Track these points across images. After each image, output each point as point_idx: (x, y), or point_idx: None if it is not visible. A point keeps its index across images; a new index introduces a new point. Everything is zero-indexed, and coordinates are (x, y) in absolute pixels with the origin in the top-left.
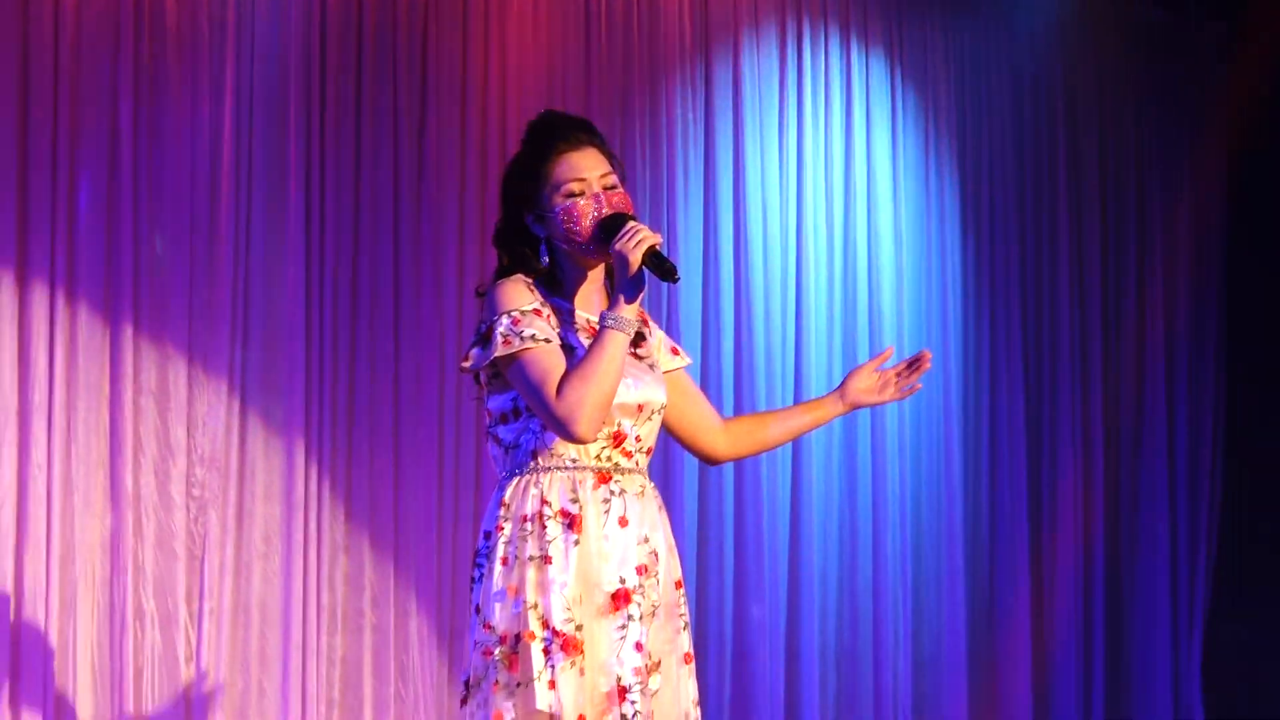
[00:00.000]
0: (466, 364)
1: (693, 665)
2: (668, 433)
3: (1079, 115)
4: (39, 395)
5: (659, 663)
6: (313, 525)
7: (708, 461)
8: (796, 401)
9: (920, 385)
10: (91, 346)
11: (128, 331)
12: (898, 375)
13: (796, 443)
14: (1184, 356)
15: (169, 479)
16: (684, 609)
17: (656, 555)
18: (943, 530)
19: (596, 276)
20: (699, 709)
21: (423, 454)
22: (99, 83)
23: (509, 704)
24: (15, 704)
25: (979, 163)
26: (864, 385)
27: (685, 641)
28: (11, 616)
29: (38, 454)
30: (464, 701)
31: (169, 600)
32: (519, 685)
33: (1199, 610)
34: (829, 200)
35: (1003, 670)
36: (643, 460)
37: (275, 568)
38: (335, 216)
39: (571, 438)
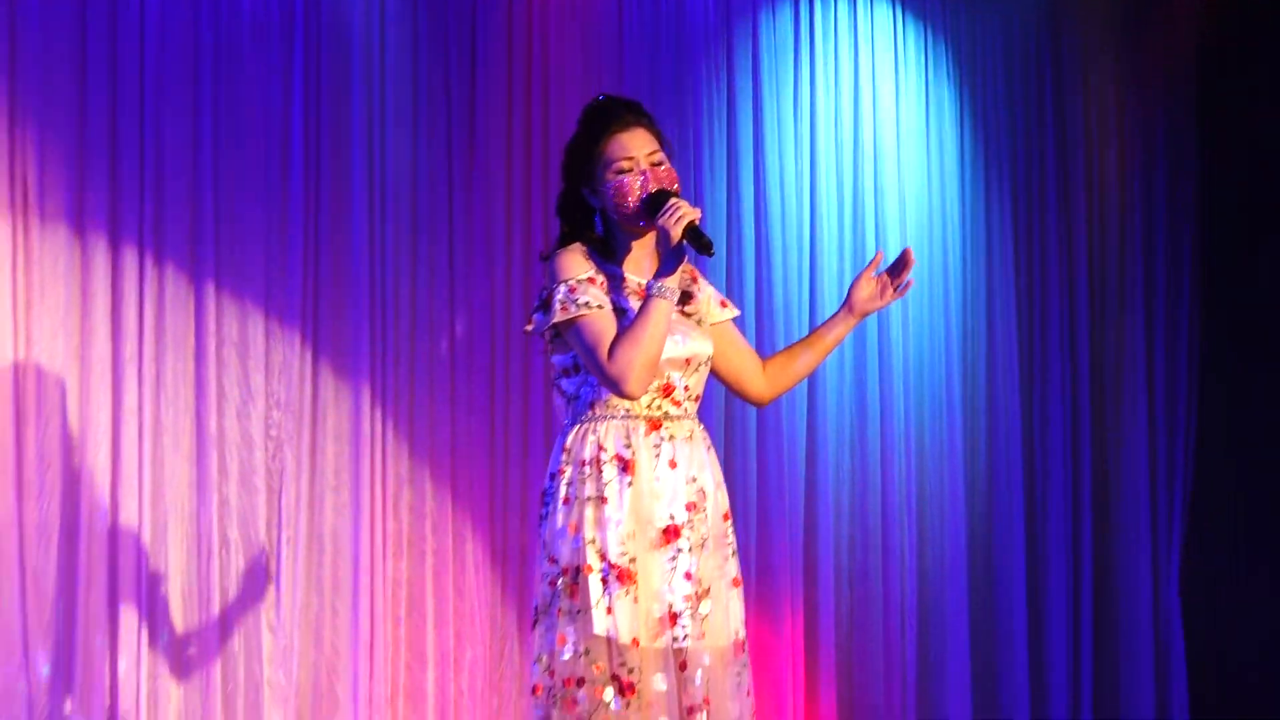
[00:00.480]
0: (529, 327)
1: (740, 589)
2: (716, 379)
3: (1065, 70)
4: (129, 348)
5: (709, 589)
6: (378, 461)
7: (755, 403)
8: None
9: (912, 281)
10: (177, 303)
11: (210, 289)
12: (892, 277)
13: (812, 383)
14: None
15: (249, 421)
16: (731, 538)
17: (704, 493)
18: (944, 459)
19: (646, 243)
20: (745, 629)
21: (476, 396)
22: (182, 67)
23: (570, 629)
24: (113, 626)
25: (975, 116)
26: (865, 294)
27: (733, 568)
28: (108, 548)
29: (129, 400)
30: (534, 625)
31: (250, 530)
32: (579, 612)
33: (1177, 518)
34: (839, 163)
35: (1000, 581)
36: (691, 407)
37: (345, 500)
38: (395, 185)
39: (622, 395)
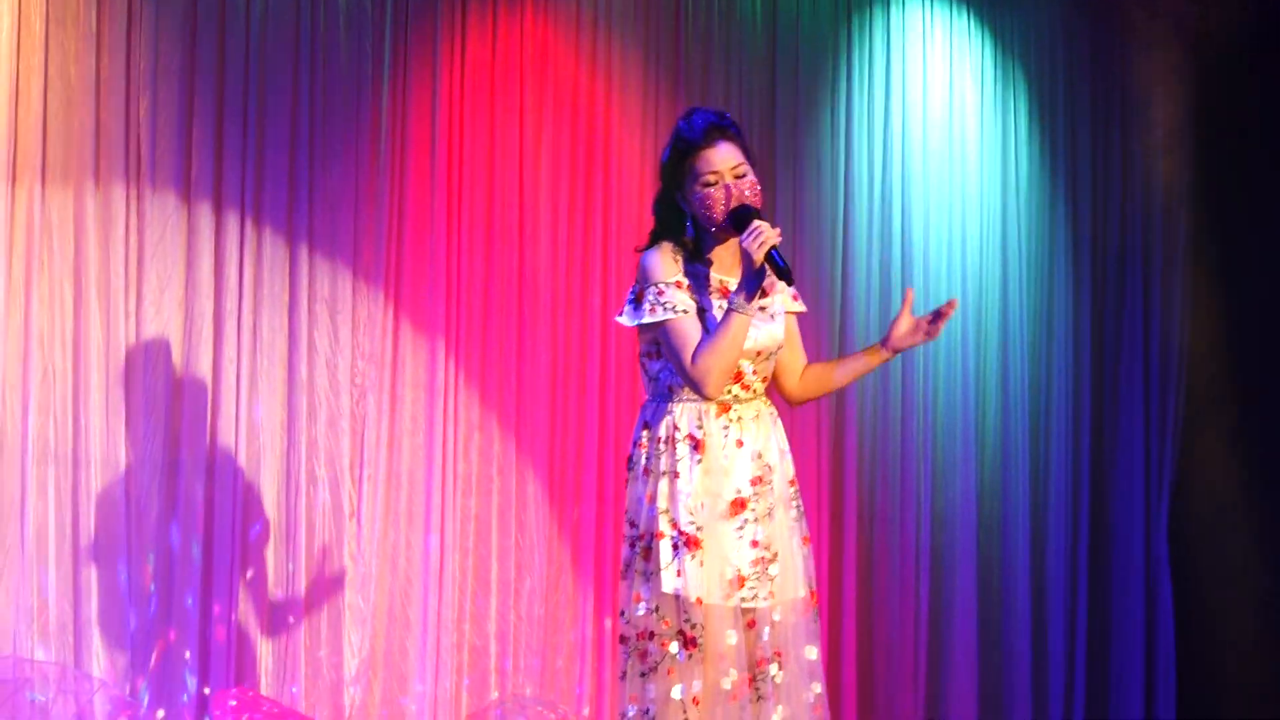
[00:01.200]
0: (622, 318)
1: (810, 547)
2: None
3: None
4: (230, 303)
5: (776, 554)
6: (451, 408)
7: (784, 398)
8: (842, 353)
9: (939, 331)
10: (274, 263)
11: (304, 251)
12: (929, 321)
13: (841, 341)
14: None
15: (336, 370)
16: (798, 501)
17: (770, 466)
18: (957, 412)
19: (731, 244)
20: (815, 583)
21: (540, 351)
22: (282, 50)
23: (644, 587)
24: (209, 552)
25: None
26: (902, 332)
27: (802, 527)
28: (205, 484)
29: (229, 350)
30: (622, 579)
31: (335, 468)
32: (652, 573)
33: (1167, 471)
34: (870, 162)
35: (1006, 529)
36: (760, 388)
37: (420, 442)
38: (470, 158)
39: (702, 396)
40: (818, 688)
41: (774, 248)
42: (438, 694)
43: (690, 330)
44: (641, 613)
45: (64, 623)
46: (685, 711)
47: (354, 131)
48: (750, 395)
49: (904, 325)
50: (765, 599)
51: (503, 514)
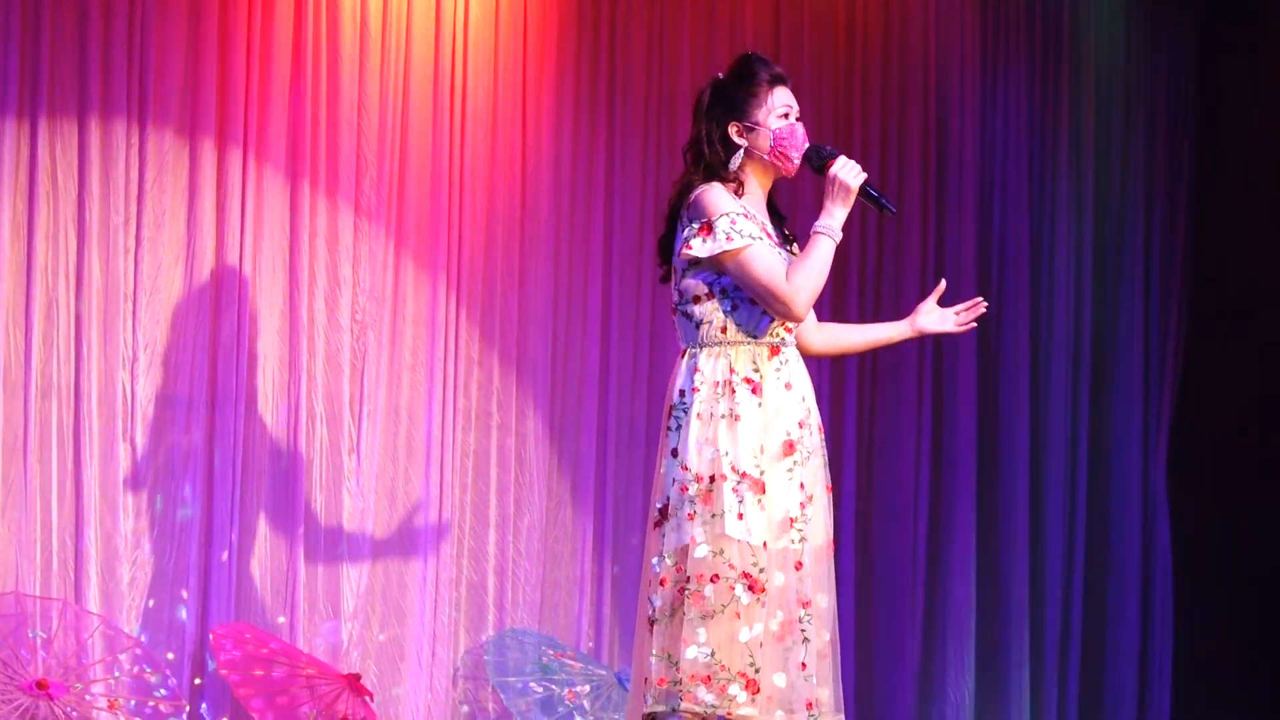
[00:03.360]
0: (690, 250)
1: (831, 495)
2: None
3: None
4: (231, 239)
5: (811, 496)
6: (451, 343)
7: (803, 348)
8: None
9: (975, 325)
10: (275, 199)
11: (304, 187)
12: (956, 314)
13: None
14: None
15: (336, 307)
16: (824, 448)
17: (810, 409)
18: (957, 339)
19: (766, 188)
20: (831, 533)
21: (541, 287)
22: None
23: (701, 531)
24: (209, 488)
25: None
26: (927, 318)
27: (826, 475)
28: (205, 418)
29: (229, 286)
30: (657, 524)
31: (334, 404)
32: (713, 516)
33: (1166, 404)
34: None
35: (1005, 456)
36: (795, 332)
37: (421, 378)
38: (472, 95)
39: (791, 317)
40: (827, 634)
41: (867, 182)
42: (436, 629)
43: (774, 256)
44: (702, 555)
45: (65, 559)
46: (751, 654)
47: (358, 70)
48: (792, 339)
49: (933, 313)
50: (802, 541)
51: (502, 450)
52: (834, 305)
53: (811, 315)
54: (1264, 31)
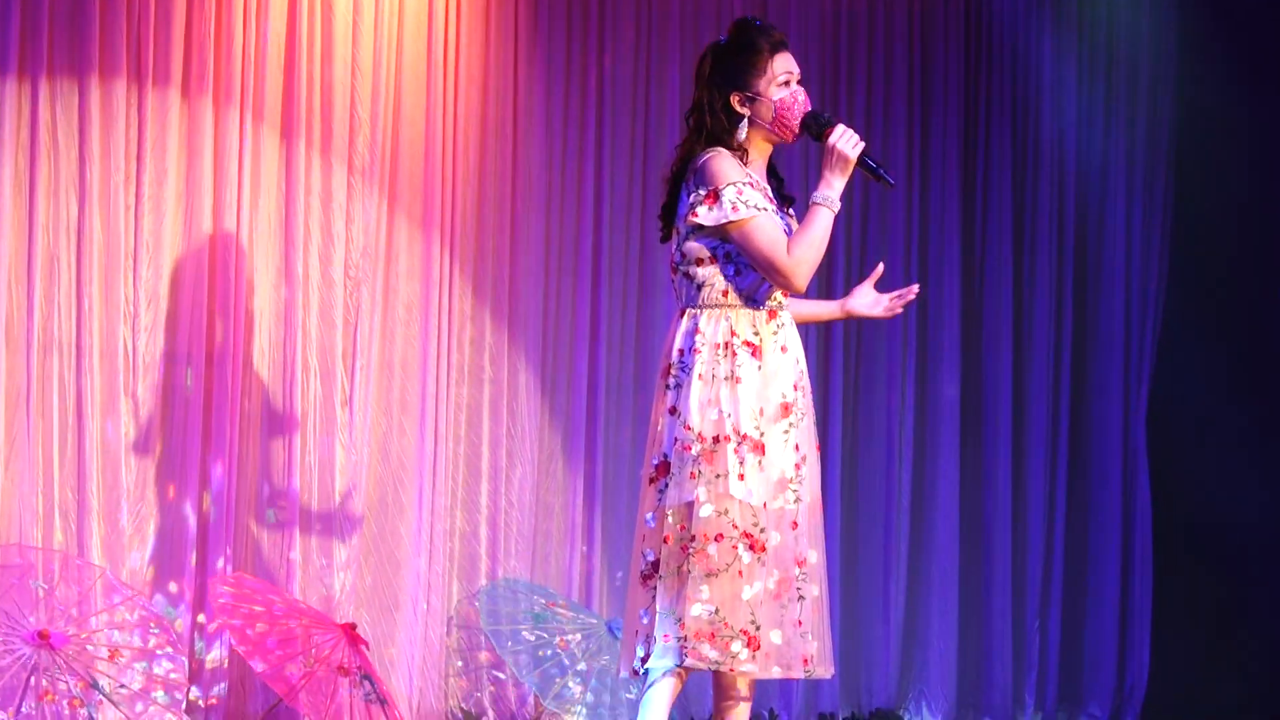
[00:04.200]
0: (695, 218)
1: (819, 454)
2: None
3: None
4: (229, 196)
5: (805, 457)
6: (444, 299)
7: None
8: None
9: (901, 311)
10: (271, 158)
11: (300, 145)
12: (889, 299)
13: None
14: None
15: (330, 263)
16: (813, 409)
17: (803, 372)
18: (944, 298)
19: (767, 154)
20: (819, 491)
21: (533, 242)
22: None
23: (705, 490)
24: (206, 440)
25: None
26: (861, 300)
27: (815, 435)
28: (204, 372)
29: (226, 243)
30: (653, 480)
31: (328, 358)
32: (716, 476)
33: (1146, 362)
34: None
35: (987, 415)
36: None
37: (415, 333)
38: (465, 55)
39: (791, 289)
40: (815, 589)
41: (866, 152)
42: (429, 579)
43: (776, 227)
44: (706, 514)
45: (67, 511)
46: (753, 612)
47: (352, 29)
48: (787, 303)
49: (866, 296)
50: (796, 502)
51: (494, 403)
52: (821, 282)
53: None
54: (1236, 31)
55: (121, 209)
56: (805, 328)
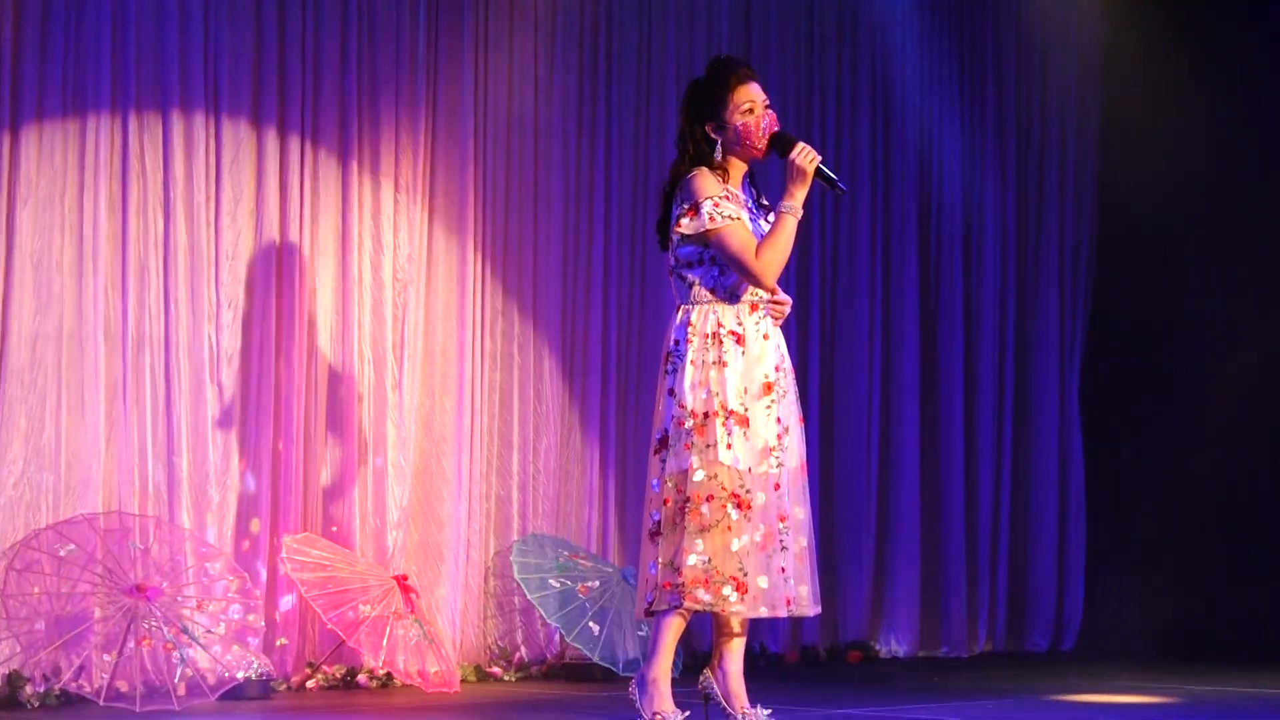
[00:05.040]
0: (679, 228)
1: (804, 425)
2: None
3: None
4: (293, 212)
5: (787, 428)
6: (478, 296)
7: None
8: None
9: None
10: (328, 178)
11: (354, 167)
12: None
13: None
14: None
15: (380, 268)
16: (795, 387)
17: (783, 355)
18: (905, 297)
19: (743, 171)
20: (805, 456)
21: (553, 248)
22: None
23: (697, 459)
24: (277, 422)
25: None
26: None
27: (798, 409)
28: (274, 365)
29: (291, 253)
30: (656, 451)
31: (380, 349)
32: (707, 446)
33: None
34: None
35: (943, 392)
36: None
37: (452, 325)
38: (494, 86)
39: (761, 287)
40: (803, 540)
41: (821, 164)
42: (469, 535)
43: (747, 234)
44: (699, 479)
45: (159, 483)
46: (741, 561)
47: (394, 64)
48: (767, 298)
49: None
50: (780, 465)
51: (522, 385)
52: (799, 278)
53: None
54: (1159, 28)
55: (203, 224)
56: (786, 319)
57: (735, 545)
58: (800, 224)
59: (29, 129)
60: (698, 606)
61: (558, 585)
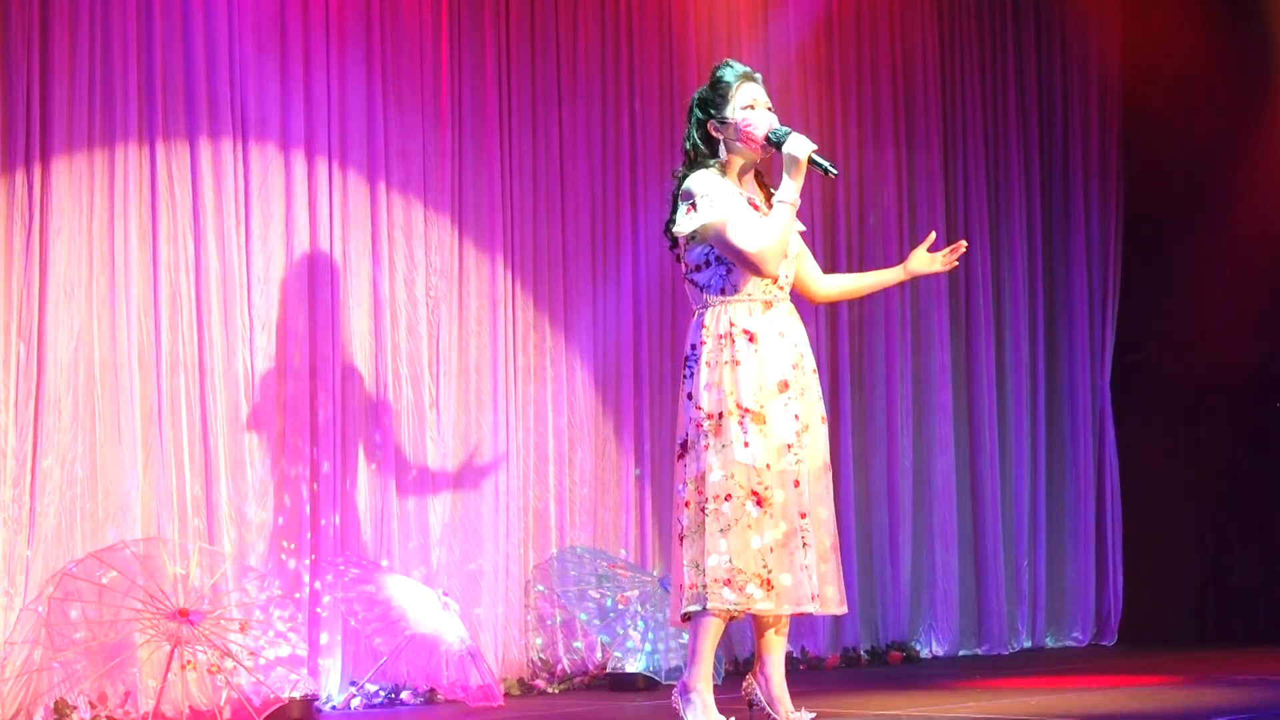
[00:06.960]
0: (677, 227)
1: (826, 424)
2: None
3: None
4: (323, 234)
5: (807, 426)
6: (509, 312)
7: (810, 300)
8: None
9: (958, 263)
10: (358, 196)
11: (381, 185)
12: (943, 255)
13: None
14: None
15: (413, 285)
16: (819, 386)
17: (801, 354)
18: (933, 295)
19: (750, 168)
20: (828, 456)
21: (582, 261)
22: (357, 21)
23: (715, 459)
24: (314, 442)
25: None
26: (918, 262)
27: (821, 407)
28: (309, 384)
29: (325, 270)
30: (679, 456)
31: (415, 366)
32: (723, 446)
33: (1110, 331)
34: None
35: (974, 383)
36: (788, 289)
37: (485, 340)
38: (519, 105)
39: (763, 275)
40: (827, 540)
41: (815, 152)
42: (508, 549)
43: (744, 224)
44: (717, 478)
45: (198, 508)
46: (764, 559)
47: (418, 85)
48: (784, 295)
49: (921, 258)
50: (799, 463)
51: (556, 397)
52: (827, 269)
53: (818, 271)
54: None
55: (234, 248)
56: (811, 316)
57: (756, 543)
58: (825, 218)
59: (59, 160)
60: (724, 606)
61: (597, 596)
